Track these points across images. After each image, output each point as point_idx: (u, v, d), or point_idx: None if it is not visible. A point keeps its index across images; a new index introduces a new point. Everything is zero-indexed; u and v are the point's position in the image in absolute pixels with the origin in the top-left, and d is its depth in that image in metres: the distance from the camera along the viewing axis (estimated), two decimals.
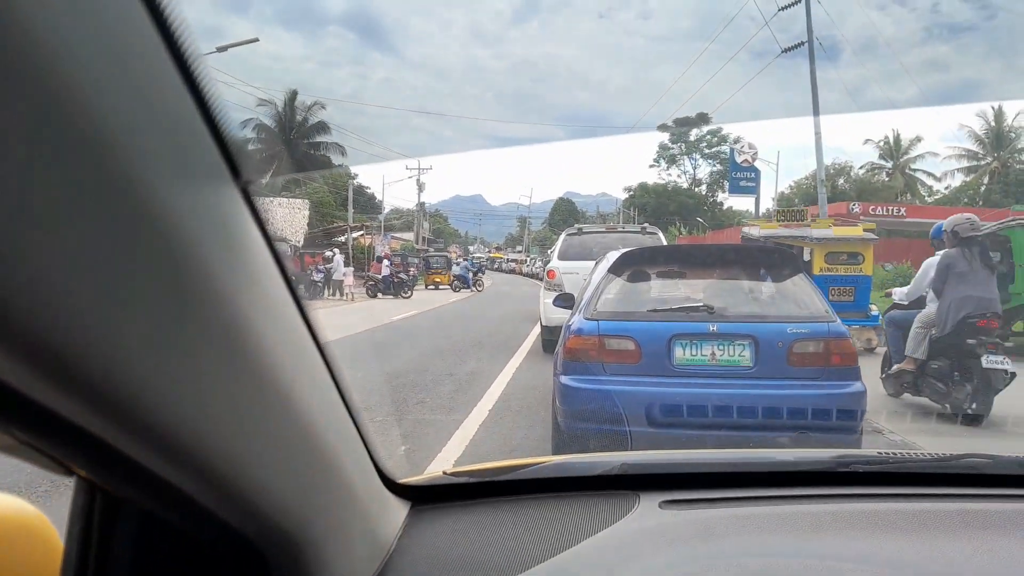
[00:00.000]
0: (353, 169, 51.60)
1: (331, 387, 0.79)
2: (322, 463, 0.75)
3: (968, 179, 48.17)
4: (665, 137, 64.40)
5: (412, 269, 32.94)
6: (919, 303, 7.06)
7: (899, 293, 7.65)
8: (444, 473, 1.32)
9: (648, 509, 1.18)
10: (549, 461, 1.38)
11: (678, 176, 65.67)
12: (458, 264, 35.21)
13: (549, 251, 19.69)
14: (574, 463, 1.41)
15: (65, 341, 0.37)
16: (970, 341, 6.24)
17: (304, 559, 0.72)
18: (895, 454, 1.43)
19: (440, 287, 33.26)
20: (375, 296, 25.69)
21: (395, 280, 26.56)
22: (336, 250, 27.66)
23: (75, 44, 0.35)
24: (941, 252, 6.79)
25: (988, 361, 6.05)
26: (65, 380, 0.38)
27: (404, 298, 25.37)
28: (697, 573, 0.99)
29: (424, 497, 1.23)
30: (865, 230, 12.25)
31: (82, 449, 0.46)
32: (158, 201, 0.41)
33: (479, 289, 31.22)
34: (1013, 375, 6.16)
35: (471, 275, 31.75)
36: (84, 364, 0.38)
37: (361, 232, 39.41)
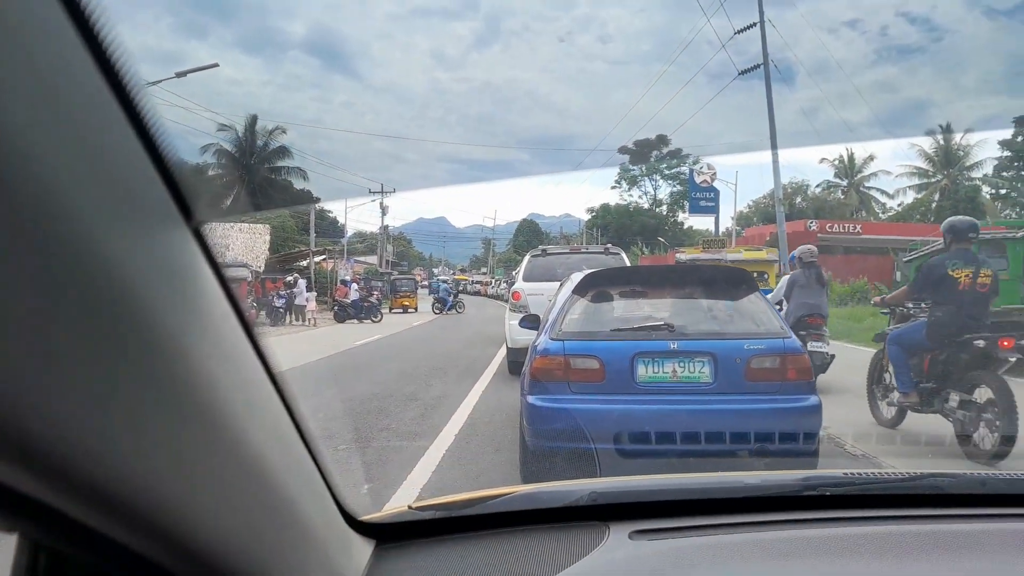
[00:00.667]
0: (315, 193, 51.26)
1: (288, 425, 0.77)
2: (278, 505, 0.73)
3: (919, 196, 49.55)
4: (626, 159, 65.32)
5: (376, 293, 32.81)
6: (779, 307, 8.91)
7: None
8: (409, 507, 1.30)
9: (618, 540, 1.17)
10: (517, 491, 1.37)
11: (639, 197, 66.57)
12: (425, 286, 35.45)
13: (514, 273, 19.76)
14: (542, 493, 1.39)
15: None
16: (801, 332, 7.85)
17: None
18: (859, 474, 1.45)
19: (408, 310, 32.99)
20: (343, 321, 25.42)
21: (365, 304, 26.36)
22: (297, 275, 27.35)
23: (6, 81, 0.34)
24: (791, 272, 9.13)
25: (811, 346, 7.79)
26: None
27: (374, 322, 25.17)
28: None
29: (389, 534, 1.20)
30: (768, 254, 15.53)
31: (18, 509, 0.44)
32: (103, 247, 0.40)
33: (460, 311, 31.81)
34: (832, 356, 8.38)
35: (451, 298, 32.58)
36: (18, 418, 0.37)
37: (323, 256, 39.09)
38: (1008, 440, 5.24)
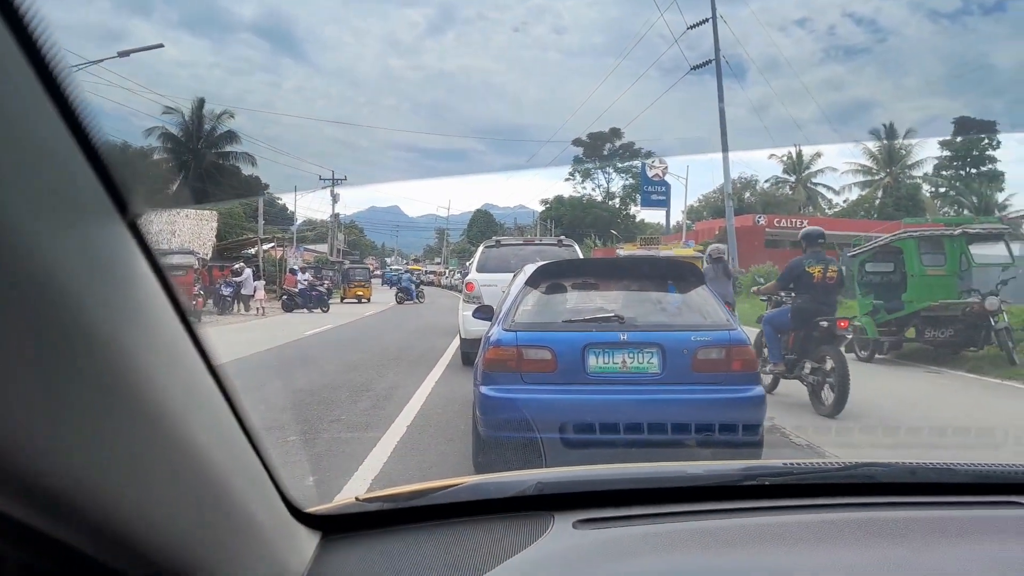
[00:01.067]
0: (264, 179, 50.32)
1: (229, 417, 0.77)
2: (219, 499, 0.73)
3: (864, 193, 50.97)
4: (580, 151, 65.68)
5: (327, 282, 32.35)
6: None
7: None
8: (356, 499, 1.29)
9: (562, 530, 1.19)
10: (463, 483, 1.37)
11: (592, 189, 67.02)
12: (379, 275, 35.63)
13: (467, 263, 19.77)
14: (488, 484, 1.40)
15: None
16: None
17: None
18: (798, 464, 1.49)
19: (361, 300, 32.35)
20: (291, 310, 25.03)
21: (313, 293, 25.98)
22: (243, 263, 26.79)
23: None
24: (704, 267, 10.17)
25: None
26: None
27: (323, 312, 24.84)
28: None
29: (335, 526, 1.20)
30: (696, 251, 17.93)
31: None
32: (31, 242, 0.39)
33: (421, 300, 32.28)
34: None
35: (415, 287, 32.97)
36: None
37: (272, 244, 38.42)
38: (842, 397, 6.80)
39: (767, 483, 1.40)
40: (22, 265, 0.39)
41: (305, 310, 25.11)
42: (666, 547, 1.16)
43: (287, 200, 58.99)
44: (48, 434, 0.44)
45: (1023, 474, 1.40)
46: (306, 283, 26.61)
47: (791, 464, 1.50)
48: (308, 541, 1.12)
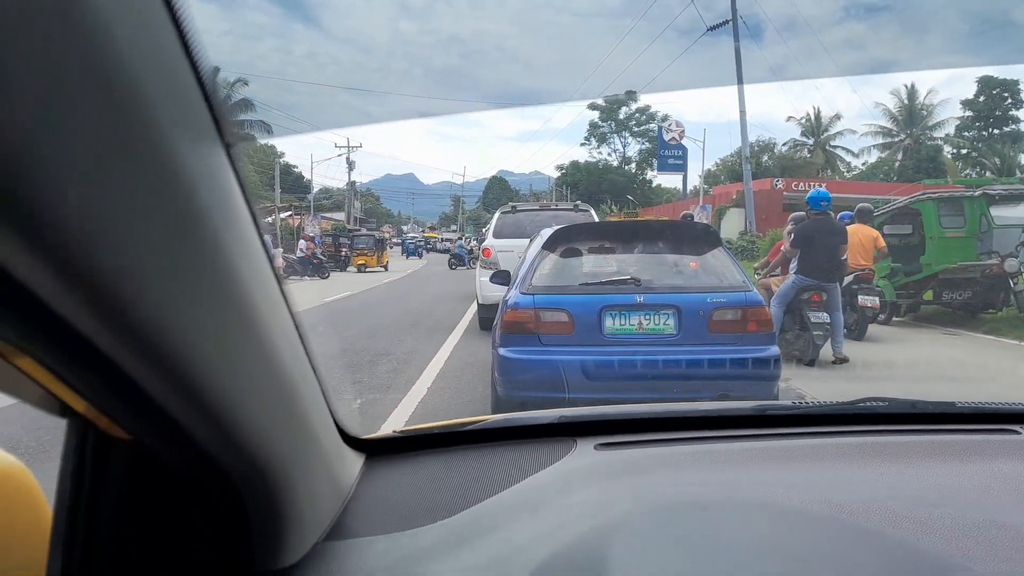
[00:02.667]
0: (280, 147, 50.39)
1: (297, 339, 0.84)
2: (292, 407, 0.81)
3: (883, 155, 50.24)
4: (595, 115, 65.05)
5: (344, 250, 32.32)
6: None
7: None
8: (394, 431, 1.41)
9: (584, 451, 1.30)
10: (493, 417, 1.50)
11: (608, 154, 66.42)
12: (398, 243, 35.86)
13: (484, 230, 19.87)
14: (515, 417, 1.52)
15: (88, 255, 0.42)
16: None
17: (275, 496, 0.78)
18: (806, 403, 1.58)
19: (367, 269, 31.66)
20: (287, 277, 24.93)
21: (315, 261, 25.84)
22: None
23: (103, 13, 0.40)
24: None
25: None
26: (84, 294, 0.44)
27: (322, 278, 24.58)
28: (626, 501, 1.09)
29: (377, 451, 1.32)
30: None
31: (88, 369, 0.52)
32: (163, 148, 0.48)
33: (473, 266, 32.44)
34: None
35: (467, 255, 33.63)
36: (99, 279, 0.44)
37: (289, 213, 38.59)
38: None
39: (776, 414, 1.50)
40: (160, 169, 0.48)
41: (306, 278, 24.75)
42: (681, 465, 1.26)
43: (303, 168, 59.09)
44: (180, 318, 0.52)
45: (1017, 407, 1.49)
46: (305, 251, 26.40)
47: (799, 403, 1.59)
48: (355, 461, 1.24)
